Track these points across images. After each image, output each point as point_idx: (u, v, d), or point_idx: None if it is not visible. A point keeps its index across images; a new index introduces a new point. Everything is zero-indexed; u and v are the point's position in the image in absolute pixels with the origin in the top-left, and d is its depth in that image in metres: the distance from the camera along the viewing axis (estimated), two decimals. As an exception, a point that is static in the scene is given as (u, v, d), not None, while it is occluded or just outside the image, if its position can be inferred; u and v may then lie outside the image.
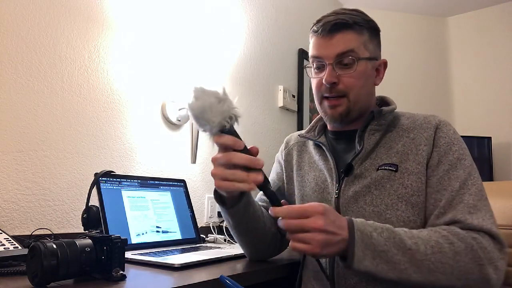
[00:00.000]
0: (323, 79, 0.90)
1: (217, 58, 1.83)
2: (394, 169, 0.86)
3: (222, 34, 1.90)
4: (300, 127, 2.39)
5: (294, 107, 2.38)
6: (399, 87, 2.89)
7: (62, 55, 1.28)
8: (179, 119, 1.62)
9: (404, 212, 0.83)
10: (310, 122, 2.51)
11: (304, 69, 0.99)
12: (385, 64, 0.99)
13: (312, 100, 2.54)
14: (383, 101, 1.00)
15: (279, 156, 1.12)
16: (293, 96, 2.38)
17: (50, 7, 1.26)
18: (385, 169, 0.87)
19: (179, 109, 1.61)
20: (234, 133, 0.74)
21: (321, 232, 0.70)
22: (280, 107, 2.26)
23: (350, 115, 0.93)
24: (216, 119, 0.70)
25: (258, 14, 2.14)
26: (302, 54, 2.45)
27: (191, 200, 1.37)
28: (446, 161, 0.85)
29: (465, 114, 3.05)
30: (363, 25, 0.93)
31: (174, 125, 1.63)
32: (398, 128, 0.93)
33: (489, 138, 2.75)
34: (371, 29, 0.95)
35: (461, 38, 3.16)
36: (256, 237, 0.96)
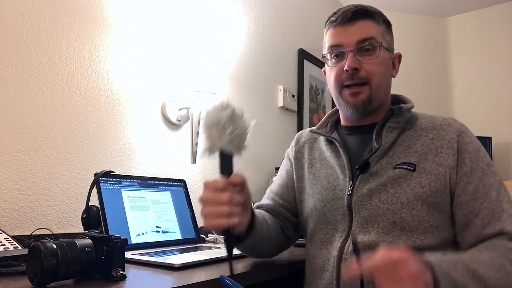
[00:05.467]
0: (345, 66, 0.89)
1: (217, 58, 1.83)
2: (412, 169, 0.85)
3: (222, 34, 1.90)
4: (300, 127, 2.39)
5: (294, 107, 2.38)
6: (399, 87, 2.89)
7: (62, 55, 1.28)
8: (179, 119, 1.62)
9: (420, 212, 0.82)
10: (310, 122, 2.52)
11: (324, 60, 0.97)
12: (399, 57, 0.99)
13: (312, 99, 2.54)
14: (399, 100, 0.99)
15: (290, 152, 1.09)
16: (293, 96, 2.38)
17: (50, 7, 1.26)
18: (403, 168, 0.86)
19: (179, 109, 1.61)
20: (231, 161, 0.74)
21: (416, 283, 0.63)
22: (280, 107, 2.26)
23: (372, 104, 0.91)
24: (230, 139, 0.71)
25: (258, 14, 2.14)
26: (302, 54, 2.45)
27: (191, 200, 1.37)
28: (478, 168, 0.85)
29: (465, 114, 3.05)
30: (380, 16, 0.94)
31: (174, 125, 1.63)
32: (416, 127, 0.91)
33: (489, 138, 2.75)
34: (387, 22, 0.96)
35: (461, 38, 3.16)
36: (260, 250, 0.98)
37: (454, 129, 0.89)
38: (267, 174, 2.07)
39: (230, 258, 0.74)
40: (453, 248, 0.86)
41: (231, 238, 0.75)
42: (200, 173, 1.72)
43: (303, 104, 2.44)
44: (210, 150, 0.73)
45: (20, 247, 0.89)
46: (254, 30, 2.11)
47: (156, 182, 1.29)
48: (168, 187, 1.32)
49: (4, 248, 0.87)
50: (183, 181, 1.39)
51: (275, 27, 2.27)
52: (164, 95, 1.59)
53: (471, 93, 3.07)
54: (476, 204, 0.82)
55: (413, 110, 0.96)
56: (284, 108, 2.29)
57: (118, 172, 1.22)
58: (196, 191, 1.68)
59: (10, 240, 0.91)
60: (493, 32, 3.02)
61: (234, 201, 0.73)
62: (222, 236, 0.78)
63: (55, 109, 1.25)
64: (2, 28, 1.15)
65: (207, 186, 0.74)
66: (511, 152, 2.86)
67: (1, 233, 0.92)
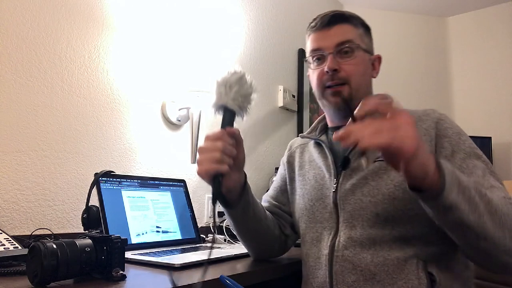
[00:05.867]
0: (325, 67, 0.93)
1: (217, 58, 1.83)
2: None
3: (222, 34, 1.90)
4: (300, 127, 2.39)
5: (294, 107, 2.38)
6: (399, 87, 2.89)
7: (62, 55, 1.28)
8: (179, 119, 1.62)
9: (402, 201, 0.83)
10: (310, 122, 2.52)
11: (305, 62, 1.03)
12: (379, 59, 1.02)
13: (312, 100, 2.54)
14: None
15: (284, 158, 1.15)
16: (293, 96, 2.38)
17: (50, 7, 1.26)
18: (382, 160, 0.87)
19: (179, 109, 1.61)
20: (232, 118, 0.82)
21: (412, 126, 0.60)
22: (280, 107, 2.26)
23: (352, 103, 0.92)
24: (234, 97, 0.78)
25: (258, 14, 2.14)
26: (302, 54, 2.45)
27: (191, 200, 1.37)
28: (460, 150, 0.84)
29: (465, 114, 3.05)
30: (358, 20, 0.98)
31: (174, 125, 1.63)
32: None
33: (489, 138, 2.75)
34: (364, 26, 1.00)
35: (461, 38, 3.16)
36: (257, 238, 0.98)
37: (432, 118, 0.89)
38: (267, 174, 2.07)
39: (214, 204, 0.79)
40: (443, 236, 0.82)
41: (218, 184, 0.78)
42: (200, 173, 1.71)
43: (303, 104, 2.44)
44: (216, 105, 0.80)
45: (20, 247, 0.89)
46: (254, 30, 2.11)
47: (156, 182, 1.29)
48: (168, 187, 1.32)
49: (4, 248, 0.87)
50: (183, 181, 1.39)
51: (275, 27, 2.27)
52: (164, 95, 1.58)
53: (471, 93, 3.07)
54: None
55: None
56: (284, 108, 2.29)
57: (118, 172, 1.22)
58: (196, 191, 1.68)
59: (10, 240, 0.91)
60: (493, 32, 3.02)
61: (227, 150, 0.78)
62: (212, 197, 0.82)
63: (55, 109, 1.25)
64: (2, 28, 1.15)
65: (207, 137, 0.81)
66: (511, 152, 2.86)
67: (1, 233, 0.92)
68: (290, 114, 2.36)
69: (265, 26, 2.19)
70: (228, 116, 0.81)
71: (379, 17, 2.99)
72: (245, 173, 0.90)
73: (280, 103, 2.25)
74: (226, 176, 0.79)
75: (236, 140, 0.82)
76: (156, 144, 1.55)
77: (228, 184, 0.84)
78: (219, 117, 0.82)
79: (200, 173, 0.79)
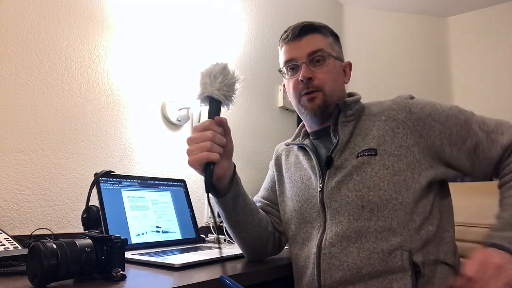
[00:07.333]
0: (299, 77, 0.97)
1: (217, 58, 1.83)
2: (373, 153, 0.89)
3: (222, 34, 1.90)
4: (300, 127, 2.39)
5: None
6: (399, 87, 2.89)
7: (62, 55, 1.28)
8: (179, 119, 1.62)
9: (386, 191, 0.85)
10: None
11: (282, 74, 1.07)
12: (350, 65, 1.07)
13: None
14: (349, 95, 1.05)
15: (272, 162, 1.18)
16: (293, 96, 2.38)
17: (50, 7, 1.26)
18: (365, 154, 0.90)
19: (179, 109, 1.61)
20: (219, 108, 0.83)
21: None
22: (280, 107, 2.26)
23: (328, 108, 0.98)
24: (220, 87, 0.81)
25: (258, 14, 2.14)
26: (302, 54, 2.45)
27: (191, 200, 1.37)
28: (444, 117, 0.90)
29: (465, 114, 3.04)
30: (327, 30, 1.02)
31: (174, 125, 1.63)
32: (369, 115, 0.96)
33: (489, 138, 2.75)
34: (333, 35, 1.04)
35: (461, 38, 3.16)
36: (250, 232, 0.97)
37: (403, 107, 0.92)
38: (267, 174, 2.07)
39: (208, 193, 0.81)
40: (426, 218, 0.86)
41: (210, 173, 0.80)
42: (200, 173, 1.71)
43: (303, 104, 2.44)
44: (201, 95, 0.83)
45: (20, 247, 0.89)
46: (254, 30, 2.11)
47: (156, 182, 1.29)
48: (168, 187, 1.32)
49: (4, 248, 0.87)
50: (183, 181, 1.39)
51: (275, 27, 2.27)
52: (164, 95, 1.59)
53: (471, 93, 3.07)
54: (468, 145, 0.88)
55: (366, 102, 1.01)
56: (284, 108, 2.29)
57: (118, 172, 1.22)
58: (196, 191, 1.68)
59: (10, 240, 0.91)
60: (493, 32, 3.02)
61: (216, 139, 0.81)
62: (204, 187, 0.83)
63: (55, 109, 1.25)
64: (2, 28, 1.15)
65: (195, 128, 0.83)
66: (511, 152, 2.85)
67: (1, 233, 0.92)
68: (290, 114, 2.36)
69: (265, 26, 2.19)
70: (215, 106, 0.83)
71: (379, 17, 2.99)
72: (234, 163, 0.92)
73: (280, 103, 2.25)
74: (216, 164, 0.81)
75: (224, 129, 0.84)
76: (156, 144, 1.55)
77: (218, 172, 0.85)
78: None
79: (191, 163, 0.81)
